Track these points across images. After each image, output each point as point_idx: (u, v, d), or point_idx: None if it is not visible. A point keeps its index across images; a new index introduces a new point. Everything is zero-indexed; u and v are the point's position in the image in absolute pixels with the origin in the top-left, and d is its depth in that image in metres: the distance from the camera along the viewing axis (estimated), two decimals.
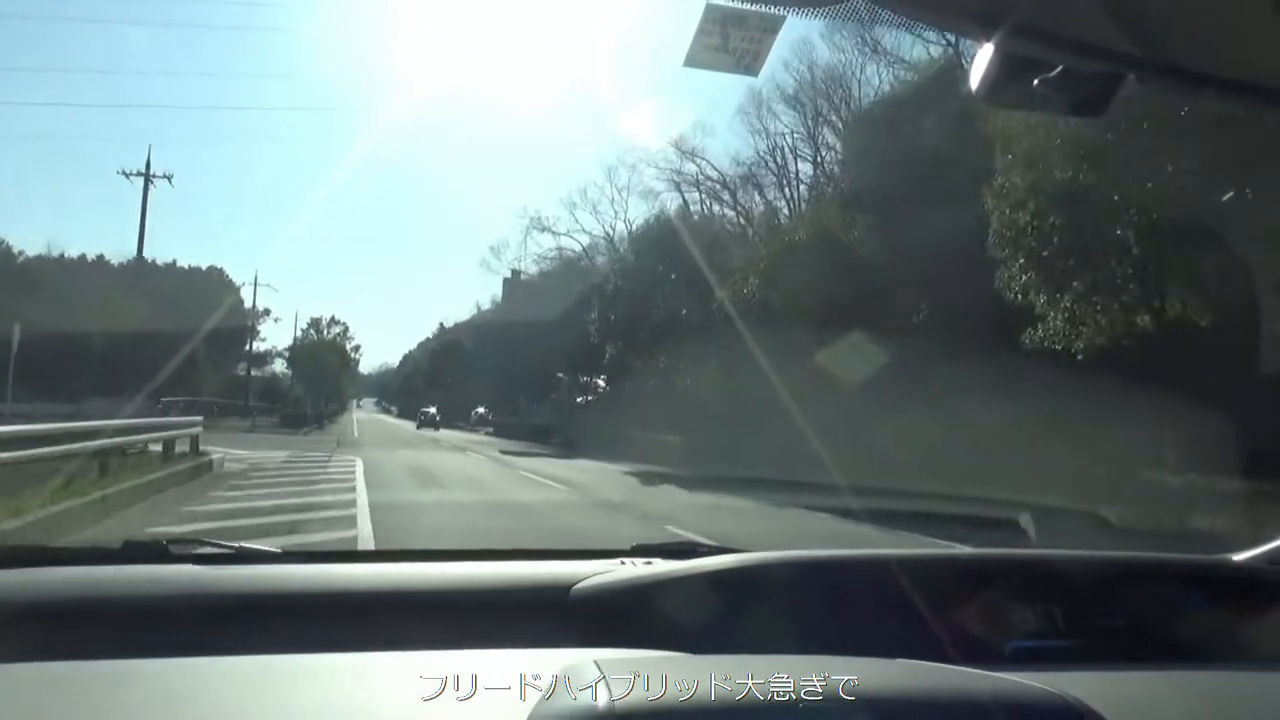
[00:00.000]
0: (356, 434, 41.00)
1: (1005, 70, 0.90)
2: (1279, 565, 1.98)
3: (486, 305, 71.59)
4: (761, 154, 39.12)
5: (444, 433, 50.11)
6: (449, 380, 75.16)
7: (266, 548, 2.01)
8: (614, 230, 47.09)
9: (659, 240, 34.10)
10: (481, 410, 64.11)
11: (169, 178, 42.58)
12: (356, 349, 72.02)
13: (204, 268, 56.23)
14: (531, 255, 55.76)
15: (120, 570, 1.82)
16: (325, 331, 65.61)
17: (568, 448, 34.33)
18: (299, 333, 63.63)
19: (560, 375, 48.38)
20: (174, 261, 53.12)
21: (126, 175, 41.84)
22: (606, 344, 34.83)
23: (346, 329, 68.43)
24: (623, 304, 33.45)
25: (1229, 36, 0.83)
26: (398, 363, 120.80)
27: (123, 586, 1.73)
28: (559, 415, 47.82)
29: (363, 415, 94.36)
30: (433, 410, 61.55)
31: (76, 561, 1.85)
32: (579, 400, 48.56)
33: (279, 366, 64.19)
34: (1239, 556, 2.07)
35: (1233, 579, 2.04)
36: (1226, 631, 1.88)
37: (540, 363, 46.91)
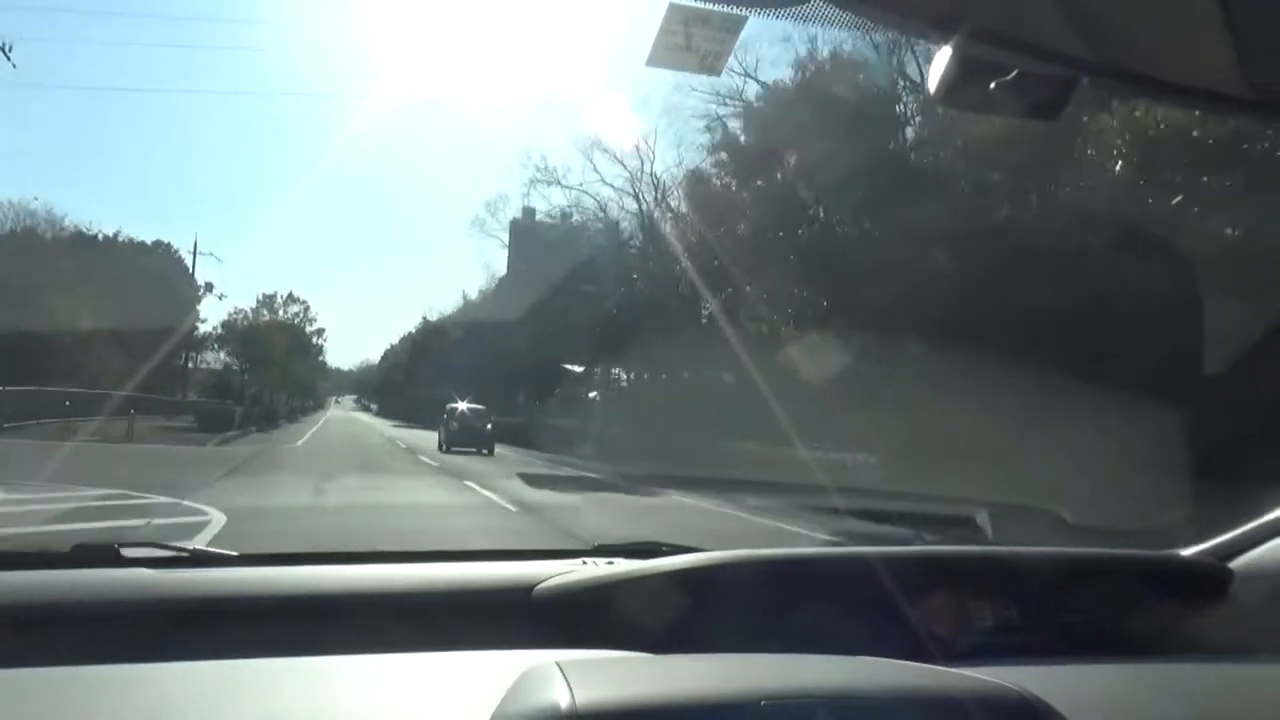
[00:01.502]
0: (301, 442, 29.48)
1: (962, 73, 0.91)
2: (1225, 560, 2.03)
3: (475, 296, 61.97)
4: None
5: (424, 434, 37.58)
6: (432, 374, 63.92)
7: (222, 550, 1.98)
8: (640, 180, 36.28)
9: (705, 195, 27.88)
10: (453, 406, 55.38)
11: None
12: (320, 333, 59.64)
13: (149, 242, 47.94)
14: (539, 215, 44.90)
15: (71, 575, 1.77)
16: (281, 310, 53.16)
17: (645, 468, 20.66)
18: (243, 311, 49.78)
19: (567, 366, 39.30)
20: (116, 234, 46.08)
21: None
22: (637, 321, 27.24)
23: (307, 309, 55.74)
24: (651, 269, 28.26)
25: (1182, 43, 0.85)
26: (379, 359, 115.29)
27: (74, 591, 1.69)
28: (577, 414, 38.76)
29: (338, 413, 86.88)
30: (467, 410, 32.34)
31: (25, 566, 1.80)
32: (589, 395, 39.85)
33: (223, 354, 51.98)
34: (1187, 551, 2.12)
35: (1181, 574, 2.08)
36: (1176, 625, 1.92)
37: (546, 351, 38.34)
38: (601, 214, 38.98)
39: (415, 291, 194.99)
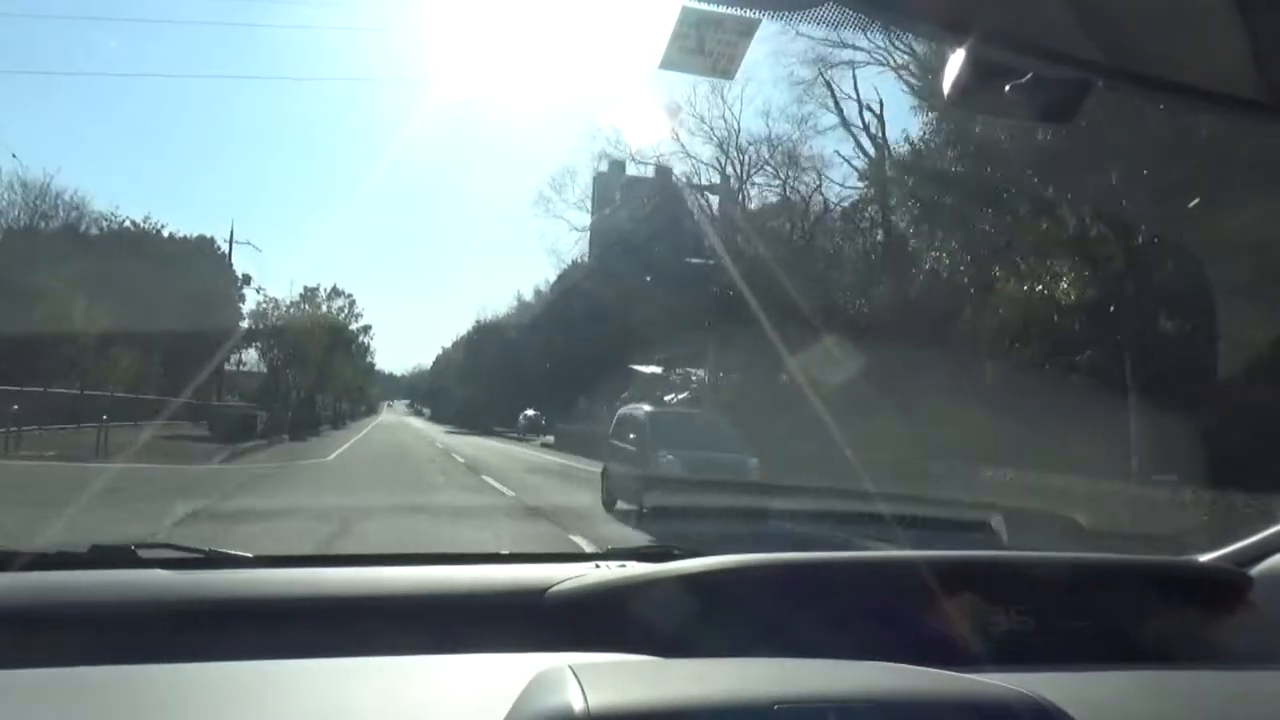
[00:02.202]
0: (334, 455, 24.45)
1: (976, 76, 0.91)
2: (1244, 566, 2.01)
3: (533, 294, 58.54)
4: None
5: (481, 443, 36.37)
6: (487, 378, 60.69)
7: (237, 552, 1.99)
8: (729, 149, 31.43)
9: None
10: (532, 413, 49.12)
11: None
12: (366, 331, 52.54)
13: (193, 237, 43.89)
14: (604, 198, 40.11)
15: (88, 575, 1.79)
16: (325, 306, 46.59)
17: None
18: (273, 300, 43.26)
19: (637, 368, 34.68)
20: (159, 228, 42.02)
21: None
22: (735, 312, 22.26)
23: (352, 303, 48.83)
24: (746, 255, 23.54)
25: (1197, 45, 0.84)
26: (431, 363, 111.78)
27: (91, 592, 1.71)
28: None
29: (389, 418, 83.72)
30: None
31: (43, 566, 1.82)
32: (667, 399, 32.05)
33: (254, 351, 45.11)
34: (1205, 558, 2.10)
35: (1199, 580, 2.07)
36: (1193, 632, 1.90)
37: (614, 351, 33.67)
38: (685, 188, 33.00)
39: (467, 296, 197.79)
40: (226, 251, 41.04)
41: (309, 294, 45.04)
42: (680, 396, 33.16)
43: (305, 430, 35.55)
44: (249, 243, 47.17)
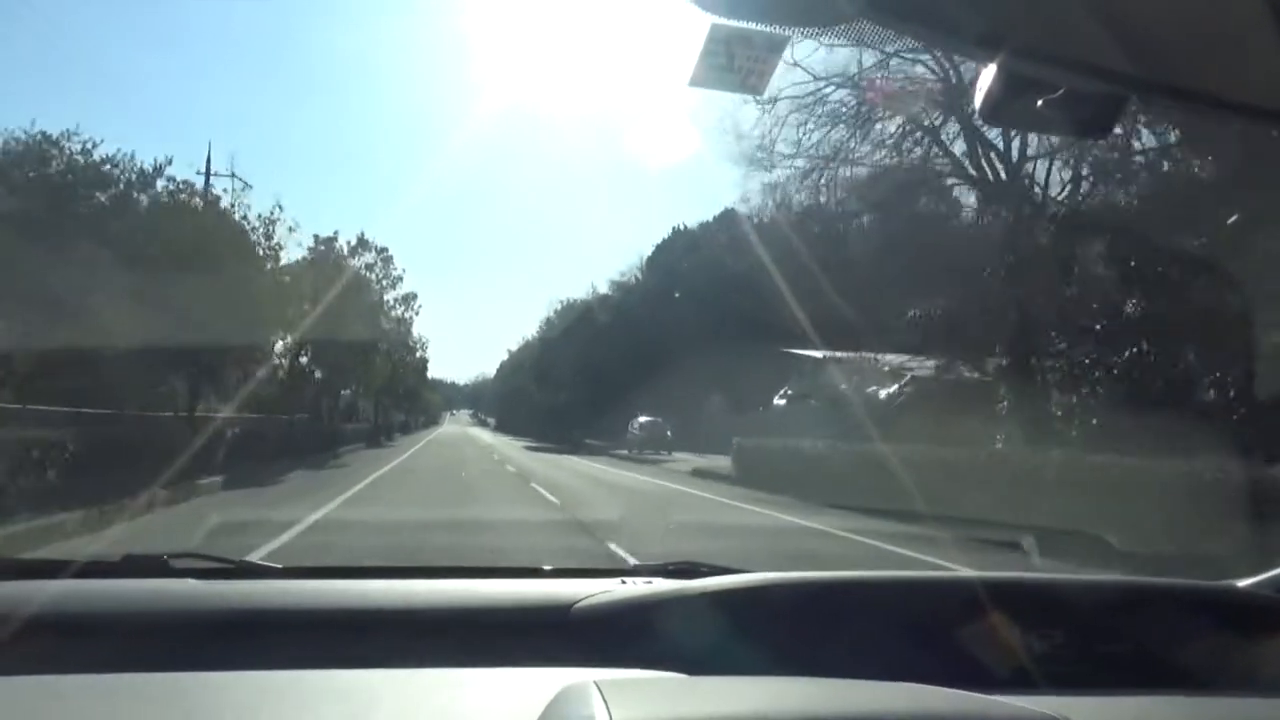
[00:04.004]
0: (319, 515, 11.22)
1: (1009, 91, 0.91)
2: None
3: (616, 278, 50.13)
4: None
5: (593, 471, 23.55)
6: (569, 378, 47.05)
7: (268, 563, 2.01)
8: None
9: None
10: (646, 419, 33.93)
11: None
12: (410, 303, 35.76)
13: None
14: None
15: (121, 584, 1.81)
16: (357, 259, 31.01)
17: None
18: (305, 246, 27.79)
19: (797, 352, 24.39)
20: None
21: None
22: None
23: (388, 259, 33.04)
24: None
25: (1233, 57, 0.83)
26: (495, 371, 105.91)
27: (123, 601, 1.73)
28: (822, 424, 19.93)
29: (451, 430, 76.41)
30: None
31: (78, 575, 1.85)
32: (880, 395, 22.53)
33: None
34: (1244, 583, 2.06)
35: (1237, 605, 2.02)
36: (1230, 658, 1.86)
37: (764, 329, 23.74)
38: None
39: (528, 303, 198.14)
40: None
41: (322, 246, 29.01)
42: (887, 389, 22.09)
43: (323, 450, 26.32)
44: (233, 174, 26.00)
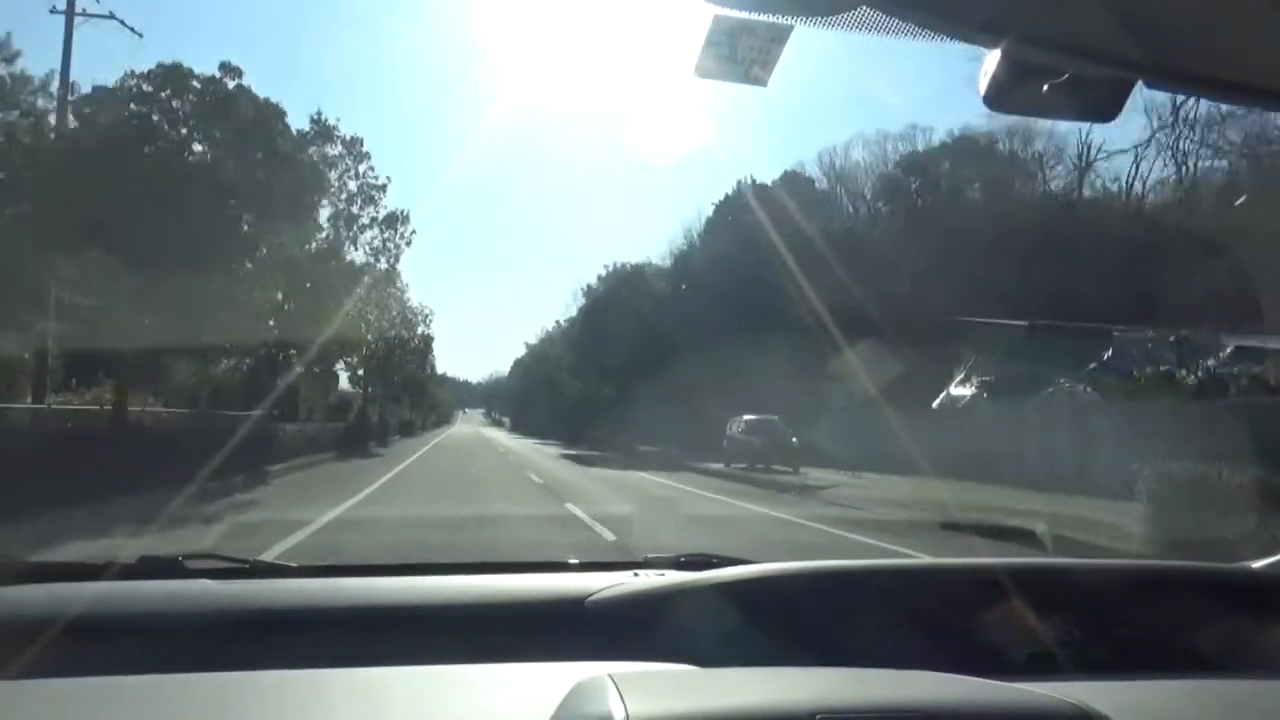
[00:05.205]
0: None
1: (1013, 77, 0.90)
2: None
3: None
4: None
5: (753, 510, 13.11)
6: (601, 368, 38.18)
7: (282, 562, 2.02)
8: None
9: None
10: (754, 419, 23.96)
11: None
12: (401, 225, 25.34)
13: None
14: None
15: (137, 585, 1.82)
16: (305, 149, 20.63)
17: None
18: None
19: (990, 321, 18.87)
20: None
21: None
22: None
23: (363, 154, 23.71)
24: None
25: (1238, 40, 0.83)
26: (509, 368, 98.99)
27: (140, 602, 1.74)
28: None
29: (463, 430, 73.45)
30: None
31: (95, 576, 1.86)
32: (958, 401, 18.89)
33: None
34: (1257, 564, 2.05)
35: (1251, 587, 2.02)
36: (1245, 640, 1.85)
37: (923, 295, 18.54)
38: None
39: (541, 301, 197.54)
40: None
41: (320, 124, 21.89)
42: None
43: (353, 449, 21.88)
44: (111, 14, 20.23)
